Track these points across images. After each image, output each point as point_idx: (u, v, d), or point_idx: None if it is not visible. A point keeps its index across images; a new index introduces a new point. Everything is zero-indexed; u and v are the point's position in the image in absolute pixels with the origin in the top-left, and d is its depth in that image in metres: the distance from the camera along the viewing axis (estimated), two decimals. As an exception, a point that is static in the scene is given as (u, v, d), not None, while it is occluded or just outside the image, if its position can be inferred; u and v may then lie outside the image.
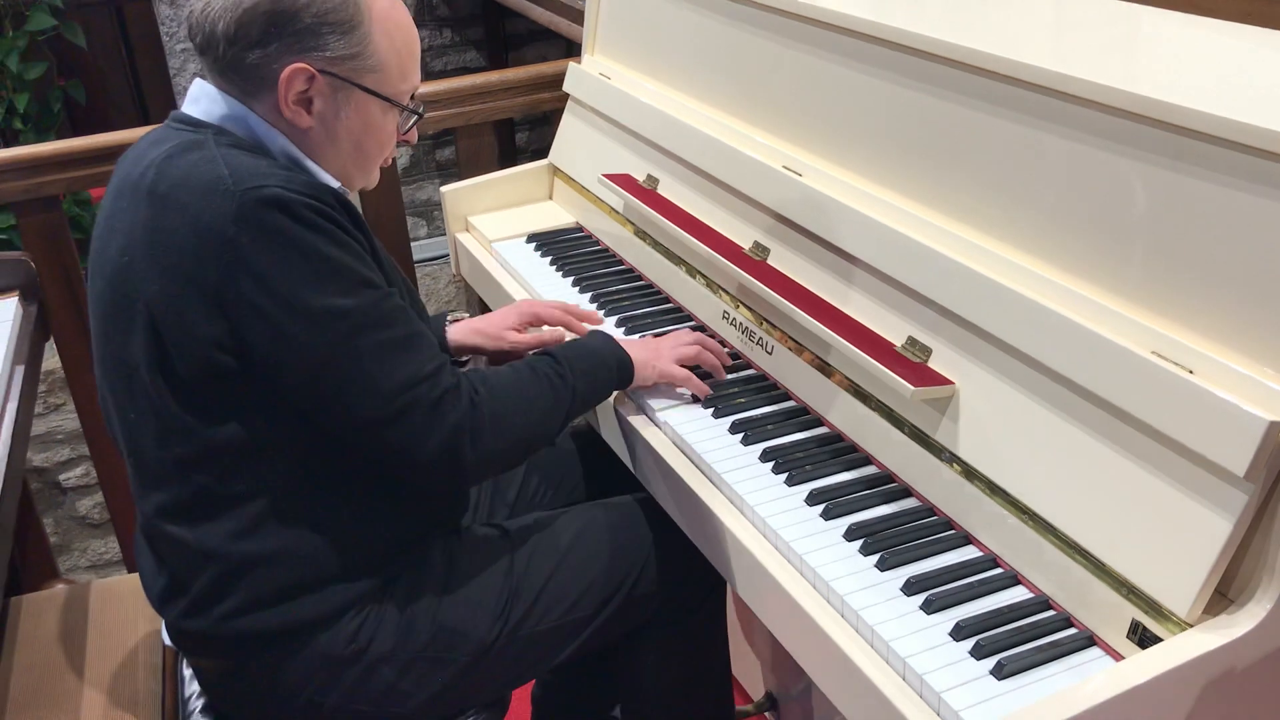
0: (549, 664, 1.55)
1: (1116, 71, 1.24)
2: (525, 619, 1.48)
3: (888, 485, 1.41)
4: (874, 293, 1.50)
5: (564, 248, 2.11)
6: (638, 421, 1.59)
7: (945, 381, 1.35)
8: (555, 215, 2.27)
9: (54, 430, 3.38)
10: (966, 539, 1.32)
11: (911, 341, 1.42)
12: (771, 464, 1.46)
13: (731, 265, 1.66)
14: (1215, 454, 1.06)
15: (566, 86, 2.31)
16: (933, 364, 1.39)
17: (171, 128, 1.36)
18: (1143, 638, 1.11)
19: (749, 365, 1.69)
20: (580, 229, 2.20)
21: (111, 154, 2.13)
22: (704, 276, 1.81)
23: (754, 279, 1.61)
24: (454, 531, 1.54)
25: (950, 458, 1.34)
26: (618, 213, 2.07)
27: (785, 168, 1.68)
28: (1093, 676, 1.06)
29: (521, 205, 2.31)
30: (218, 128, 1.33)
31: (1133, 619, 1.12)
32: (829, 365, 1.53)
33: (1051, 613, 1.20)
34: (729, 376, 1.66)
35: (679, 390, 1.61)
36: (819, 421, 1.54)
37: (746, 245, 1.73)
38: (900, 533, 1.32)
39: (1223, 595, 1.09)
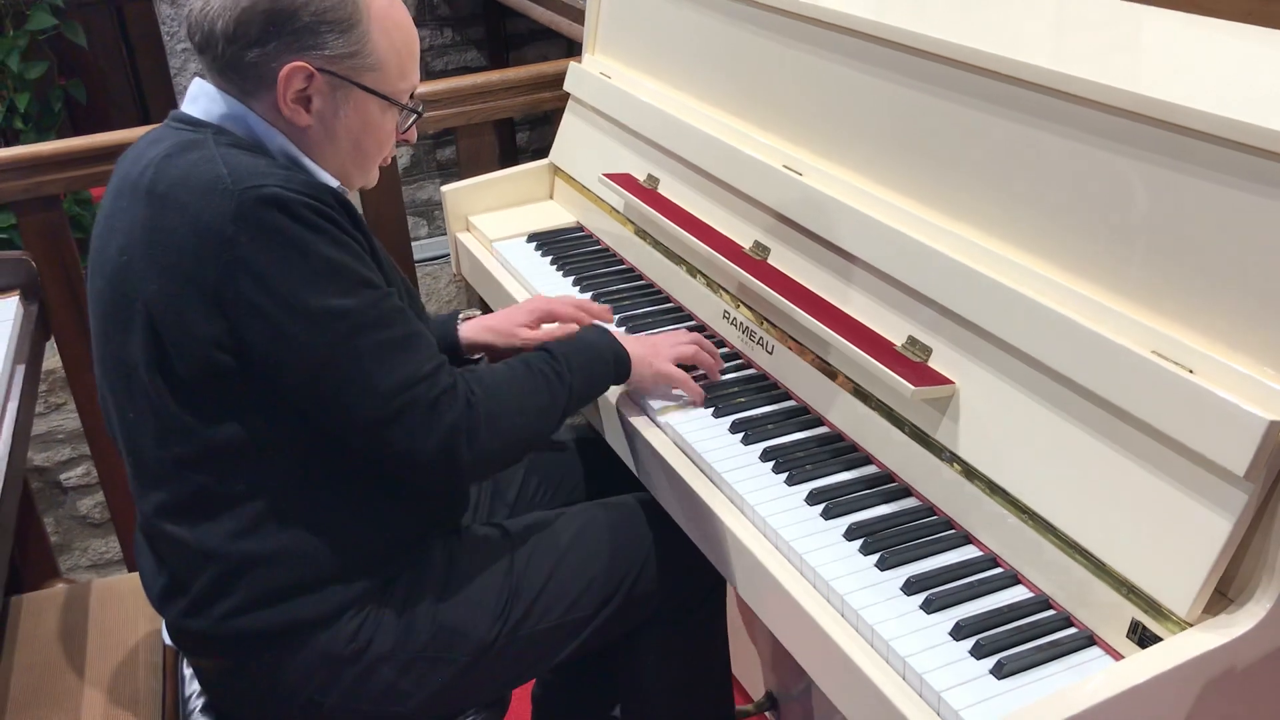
0: (549, 663, 1.55)
1: (1117, 71, 1.24)
2: (525, 618, 1.48)
3: (888, 485, 1.41)
4: (874, 292, 1.50)
5: (565, 247, 2.11)
6: (639, 422, 1.59)
7: (945, 381, 1.35)
8: (556, 215, 2.27)
9: (55, 430, 3.38)
10: (966, 538, 1.32)
11: (912, 341, 1.42)
12: (772, 463, 1.46)
13: (732, 265, 1.66)
14: (1215, 453, 1.06)
15: (567, 86, 2.31)
16: (933, 363, 1.39)
17: (171, 127, 1.36)
18: (1143, 637, 1.11)
19: (749, 365, 1.69)
20: (581, 228, 2.20)
21: (112, 153, 2.12)
22: (704, 276, 1.81)
23: (754, 278, 1.61)
24: (454, 531, 1.54)
25: (950, 457, 1.34)
26: (618, 212, 2.07)
27: (786, 167, 1.68)
28: (1092, 676, 1.06)
29: (522, 205, 2.31)
30: (217, 127, 1.33)
31: (1132, 618, 1.12)
32: (829, 365, 1.53)
33: (1051, 612, 1.20)
34: (730, 376, 1.66)
35: (676, 391, 1.61)
36: (819, 421, 1.54)
37: (747, 245, 1.73)
38: (900, 532, 1.32)
39: (1222, 595, 1.09)
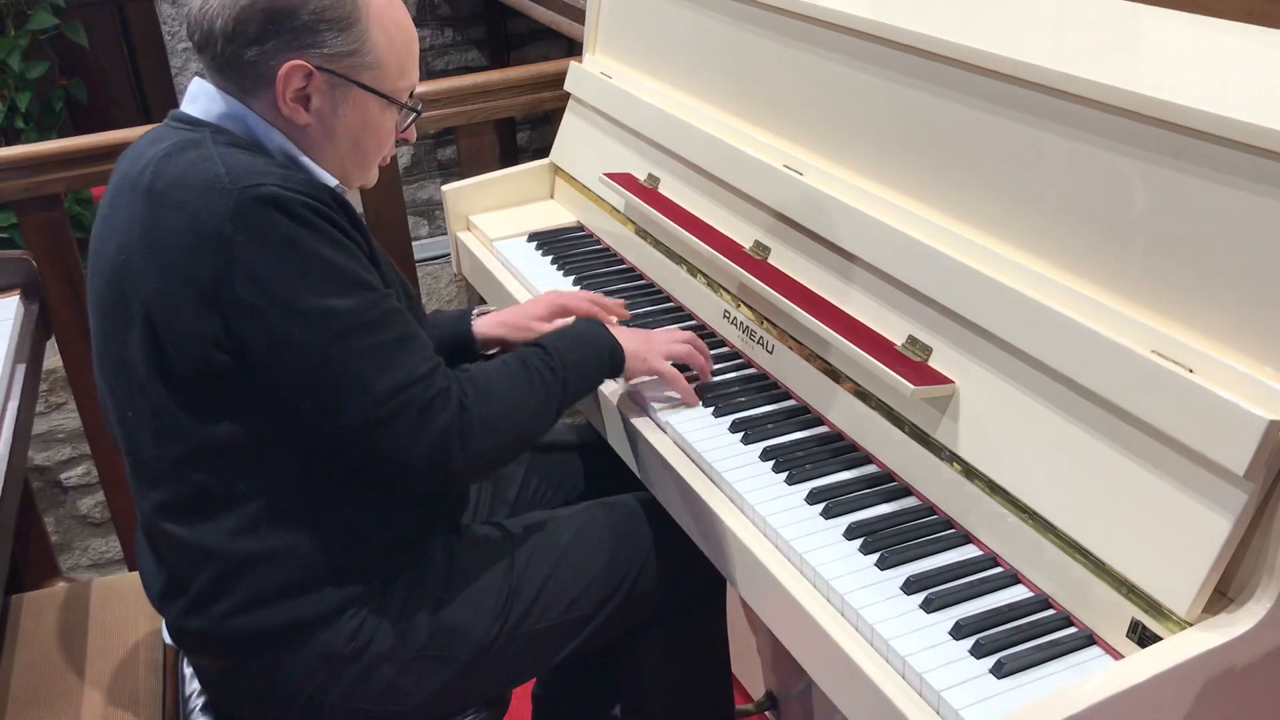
0: (549, 662, 1.55)
1: (1118, 71, 1.24)
2: (525, 617, 1.48)
3: (888, 484, 1.41)
4: (874, 292, 1.50)
5: (565, 247, 2.11)
6: (640, 422, 1.59)
7: (945, 380, 1.35)
8: (556, 214, 2.27)
9: (55, 429, 3.38)
10: (966, 538, 1.31)
11: (912, 340, 1.42)
12: (772, 463, 1.46)
13: (732, 264, 1.66)
14: (1215, 453, 1.06)
15: (568, 86, 2.31)
16: (933, 363, 1.39)
17: (170, 126, 1.36)
18: (1142, 637, 1.11)
19: (749, 364, 1.69)
20: (581, 228, 2.20)
21: (112, 153, 2.12)
22: (705, 275, 1.81)
23: (755, 278, 1.61)
24: (454, 530, 1.54)
25: (950, 456, 1.34)
26: (619, 212, 2.07)
27: (786, 167, 1.68)
28: (1092, 675, 1.06)
29: (522, 204, 2.31)
30: (216, 126, 1.33)
31: (1132, 618, 1.12)
32: (829, 364, 1.53)
33: (1051, 611, 1.20)
34: (730, 375, 1.66)
35: (669, 392, 1.60)
36: (819, 420, 1.54)
37: (747, 244, 1.73)
38: (900, 531, 1.32)
39: (1222, 594, 1.09)
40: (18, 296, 2.10)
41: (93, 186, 2.25)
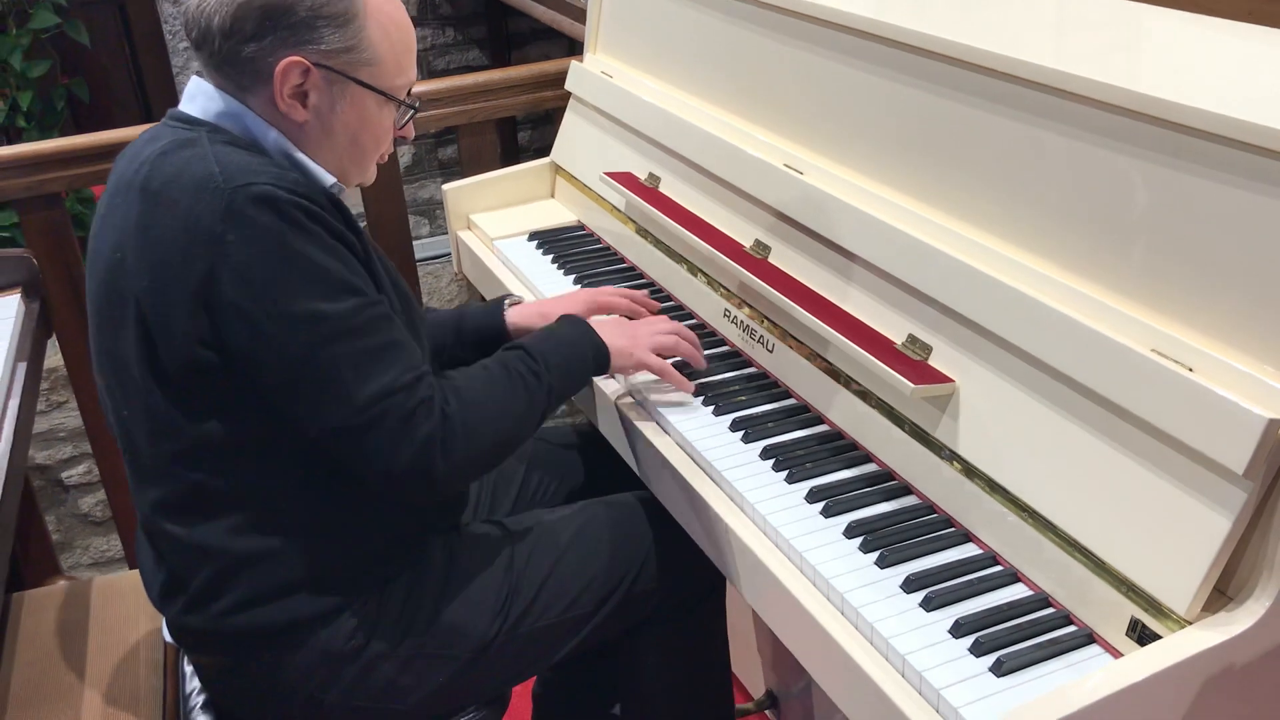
0: (549, 661, 1.55)
1: (1118, 70, 1.24)
2: (525, 616, 1.48)
3: (887, 483, 1.41)
4: (875, 290, 1.50)
5: (566, 246, 2.11)
6: (639, 420, 1.59)
7: (945, 379, 1.35)
8: (557, 213, 2.27)
9: (56, 428, 3.38)
10: (966, 536, 1.32)
11: (912, 339, 1.42)
12: (771, 461, 1.46)
13: (732, 263, 1.66)
14: (1215, 451, 1.06)
15: (568, 85, 2.31)
16: (933, 362, 1.39)
17: (167, 125, 1.36)
18: (1142, 635, 1.11)
19: (750, 363, 1.69)
20: (582, 227, 2.20)
21: (113, 151, 2.10)
22: (705, 274, 1.81)
23: (755, 277, 1.61)
24: (453, 528, 1.54)
25: (950, 455, 1.34)
26: (619, 211, 2.07)
27: (786, 166, 1.68)
28: (1092, 674, 1.06)
29: (523, 203, 2.31)
30: (213, 125, 1.33)
31: (1132, 616, 1.12)
32: (829, 363, 1.53)
33: (1051, 610, 1.20)
34: (730, 374, 1.66)
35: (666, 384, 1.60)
36: (819, 419, 1.54)
37: (748, 243, 1.73)
38: (900, 530, 1.33)
39: (1221, 593, 1.09)
40: (19, 295, 2.10)
41: (94, 185, 2.25)
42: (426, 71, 4.61)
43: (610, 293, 1.75)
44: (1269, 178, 1.07)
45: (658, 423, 1.58)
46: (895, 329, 1.45)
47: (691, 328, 1.73)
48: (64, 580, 2.36)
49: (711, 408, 1.58)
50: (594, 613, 1.54)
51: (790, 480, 1.42)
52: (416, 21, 1.34)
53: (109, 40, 4.38)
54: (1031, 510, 1.24)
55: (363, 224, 1.42)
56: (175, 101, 1.39)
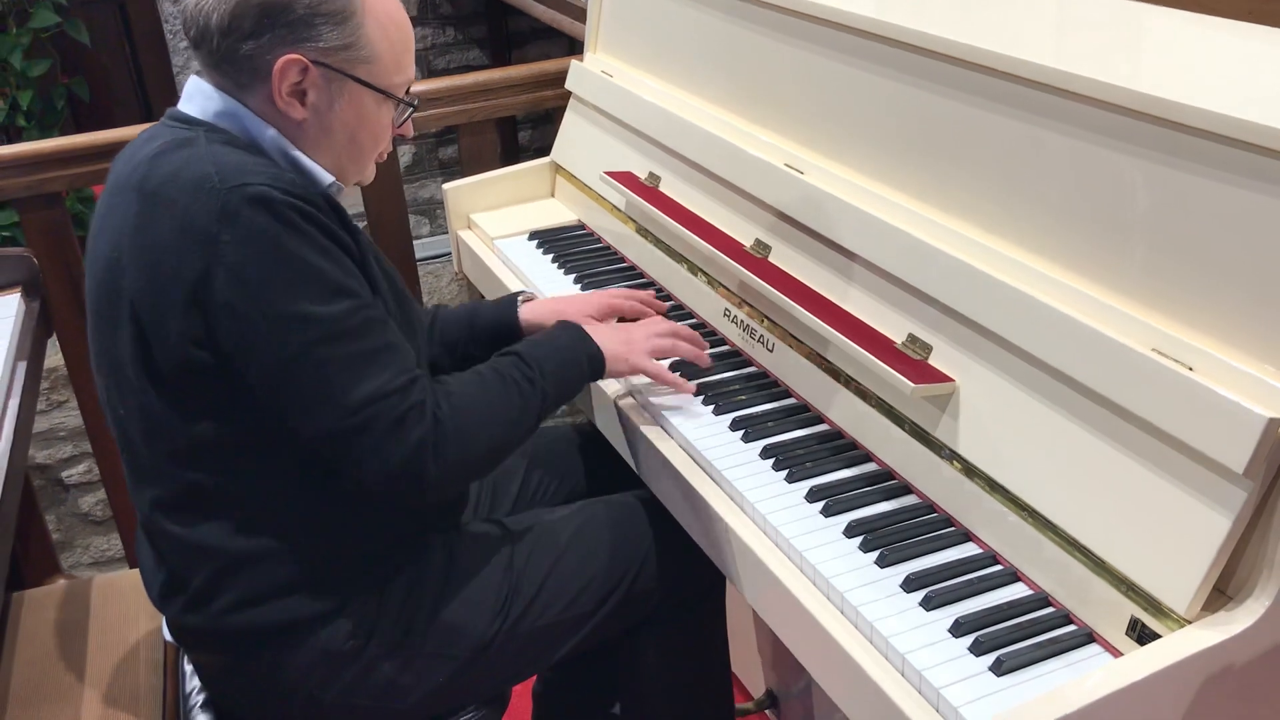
0: (549, 660, 1.55)
1: (1118, 69, 1.24)
2: (525, 615, 1.48)
3: (887, 482, 1.41)
4: (875, 290, 1.50)
5: (566, 245, 2.11)
6: (639, 420, 1.59)
7: (945, 379, 1.35)
8: (557, 213, 2.27)
9: (56, 427, 3.38)
10: (966, 536, 1.32)
11: (912, 339, 1.42)
12: (771, 461, 1.46)
13: (733, 263, 1.66)
14: (1214, 451, 1.06)
15: (569, 84, 2.31)
16: (933, 361, 1.39)
17: (166, 125, 1.36)
18: (1141, 634, 1.11)
19: (750, 362, 1.69)
20: (582, 226, 2.20)
21: (113, 151, 2.10)
22: (705, 274, 1.81)
23: (755, 276, 1.61)
24: (453, 527, 1.54)
25: (950, 455, 1.34)
26: (619, 210, 2.07)
27: (787, 165, 1.68)
28: (1091, 673, 1.06)
29: (524, 203, 2.31)
30: (211, 125, 1.33)
31: (1131, 616, 1.12)
32: (830, 363, 1.53)
33: (1050, 609, 1.20)
34: (730, 374, 1.66)
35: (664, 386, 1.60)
36: (819, 419, 1.54)
37: (748, 243, 1.73)
38: (900, 529, 1.33)
39: (1221, 592, 1.09)
40: (19, 294, 2.11)
41: (94, 185, 2.25)
42: (426, 71, 4.61)
43: (622, 295, 1.74)
44: (1269, 177, 1.07)
45: (658, 422, 1.58)
46: (895, 328, 1.45)
47: (692, 327, 1.73)
48: (64, 579, 2.36)
49: (711, 407, 1.58)
50: (594, 612, 1.54)
51: (790, 479, 1.42)
52: (416, 21, 1.34)
53: (109, 39, 4.38)
54: (1031, 509, 1.24)
55: (362, 224, 1.42)
56: (176, 101, 1.39)
